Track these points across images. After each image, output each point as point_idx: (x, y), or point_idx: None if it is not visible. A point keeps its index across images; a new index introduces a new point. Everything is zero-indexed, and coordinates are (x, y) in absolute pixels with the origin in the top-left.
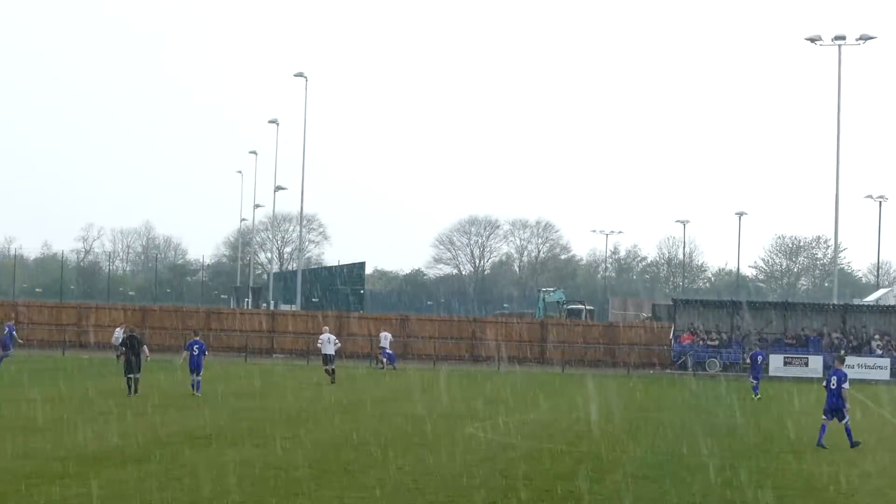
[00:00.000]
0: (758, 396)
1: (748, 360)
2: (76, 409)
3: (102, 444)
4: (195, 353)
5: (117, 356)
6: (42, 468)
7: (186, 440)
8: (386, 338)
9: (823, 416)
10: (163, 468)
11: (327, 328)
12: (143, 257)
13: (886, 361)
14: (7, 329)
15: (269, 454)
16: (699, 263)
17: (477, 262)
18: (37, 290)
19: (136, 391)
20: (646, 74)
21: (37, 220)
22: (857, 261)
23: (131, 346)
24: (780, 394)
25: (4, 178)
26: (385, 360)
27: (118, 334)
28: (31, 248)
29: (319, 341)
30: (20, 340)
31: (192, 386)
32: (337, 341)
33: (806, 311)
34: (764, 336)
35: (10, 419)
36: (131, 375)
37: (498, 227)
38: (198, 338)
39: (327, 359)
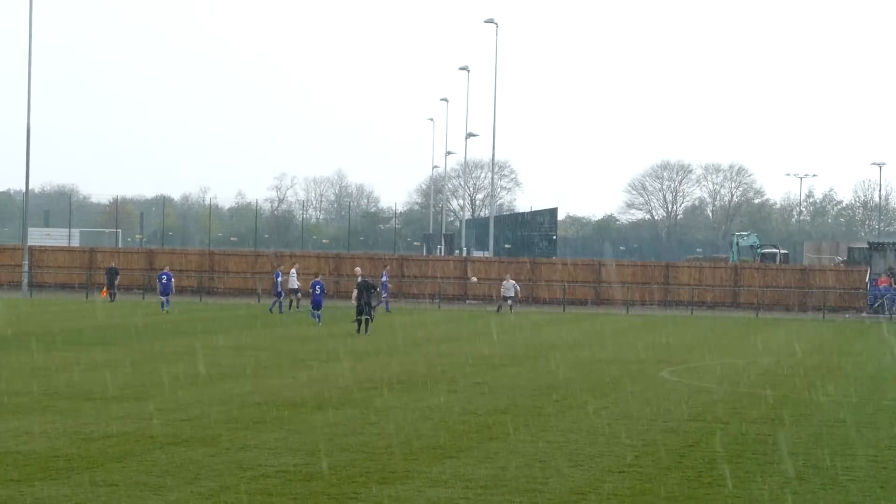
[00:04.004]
0: None
1: None
2: (274, 356)
3: (299, 390)
4: (317, 293)
5: (291, 301)
6: (239, 414)
7: (382, 385)
8: (511, 287)
9: None
10: (358, 413)
11: (509, 275)
12: (335, 205)
13: None
14: (164, 277)
15: (464, 399)
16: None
17: (669, 206)
18: (232, 238)
19: (366, 331)
20: (839, 9)
21: (231, 170)
22: None
23: (365, 291)
24: None
25: (198, 129)
26: (510, 304)
27: (293, 275)
28: (225, 198)
29: (503, 287)
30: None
31: (315, 317)
32: (517, 286)
33: None
34: None
35: (208, 366)
36: (362, 317)
37: (690, 171)
38: (318, 279)
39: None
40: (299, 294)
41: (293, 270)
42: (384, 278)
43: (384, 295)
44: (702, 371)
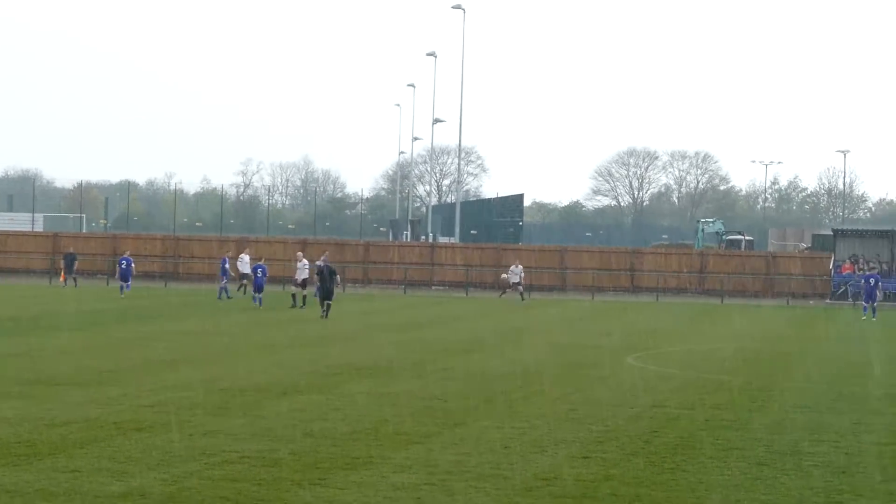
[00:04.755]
0: (865, 317)
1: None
2: (238, 341)
3: (265, 375)
4: (258, 276)
5: (241, 286)
6: (204, 399)
7: (348, 371)
8: (516, 272)
9: None
10: (323, 398)
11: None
12: (301, 191)
13: None
14: (123, 262)
15: (429, 385)
16: (860, 193)
17: (635, 193)
18: (197, 224)
19: (326, 315)
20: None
21: (196, 155)
22: None
23: (327, 275)
24: None
25: (165, 114)
26: (521, 289)
27: (243, 260)
28: (190, 183)
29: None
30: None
31: (256, 301)
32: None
33: None
34: None
35: (172, 351)
36: (327, 301)
37: (657, 158)
38: (261, 262)
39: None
40: (245, 280)
41: (243, 256)
42: (321, 262)
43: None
44: (666, 357)
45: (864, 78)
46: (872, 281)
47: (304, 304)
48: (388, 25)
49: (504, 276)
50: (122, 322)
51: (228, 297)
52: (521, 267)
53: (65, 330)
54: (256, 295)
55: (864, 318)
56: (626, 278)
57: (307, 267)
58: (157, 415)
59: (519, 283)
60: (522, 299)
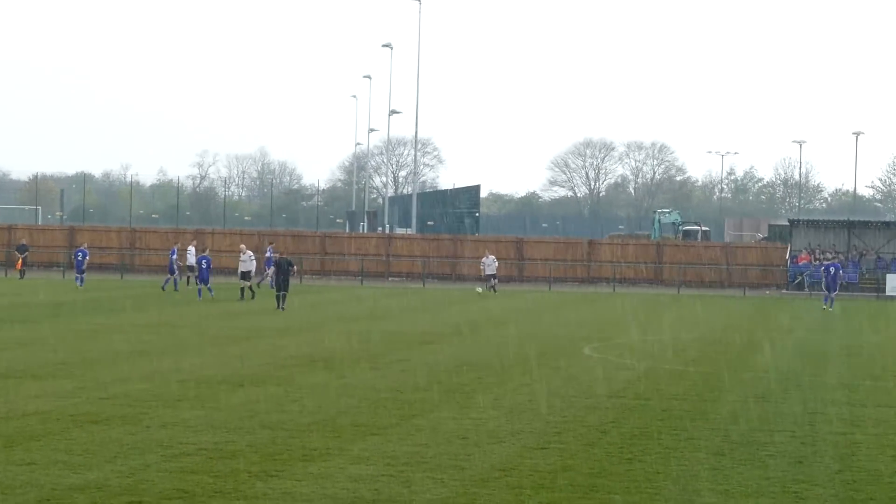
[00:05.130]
0: (825, 307)
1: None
2: (194, 333)
3: (222, 367)
4: (203, 267)
5: (188, 278)
6: (161, 391)
7: (305, 363)
8: (488, 263)
9: None
10: (280, 390)
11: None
12: (258, 183)
13: None
14: (79, 254)
15: (386, 376)
16: (815, 184)
17: (592, 184)
18: (153, 216)
19: (283, 307)
20: None
21: (153, 147)
22: None
23: (282, 267)
24: None
25: (120, 106)
26: (494, 282)
27: (191, 252)
28: (147, 175)
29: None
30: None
31: (200, 293)
32: (252, 257)
33: None
34: (881, 255)
35: (129, 343)
36: (282, 293)
37: (613, 149)
38: (206, 254)
39: (245, 276)
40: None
41: (190, 248)
42: (269, 254)
43: (268, 269)
44: (623, 348)
45: (819, 69)
46: (833, 270)
47: (252, 296)
48: (344, 17)
49: (481, 267)
50: (79, 314)
51: (176, 290)
52: (493, 257)
53: (20, 322)
54: (201, 287)
55: (825, 307)
56: (583, 269)
57: (252, 259)
58: (113, 407)
59: (493, 276)
60: (494, 292)
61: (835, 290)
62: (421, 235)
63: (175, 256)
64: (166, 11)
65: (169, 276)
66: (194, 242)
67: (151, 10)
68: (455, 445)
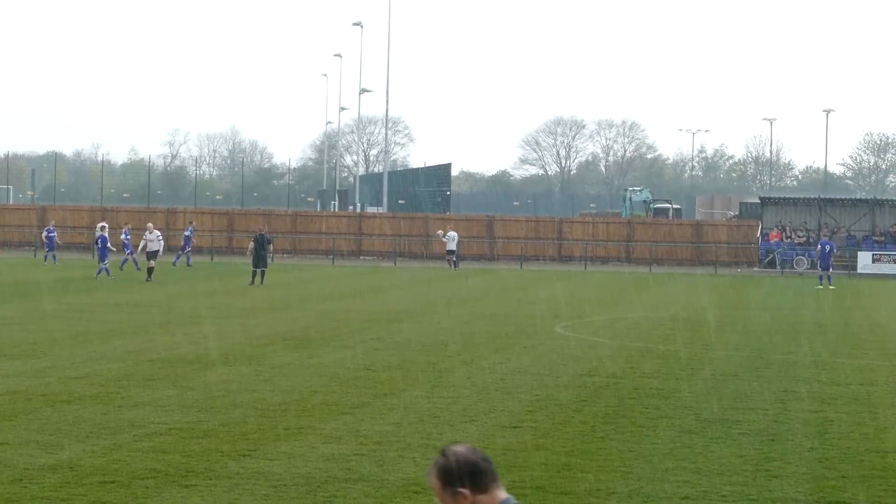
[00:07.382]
0: (820, 287)
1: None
2: (165, 312)
3: (193, 346)
4: (100, 246)
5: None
6: (133, 371)
7: (276, 342)
8: (453, 238)
9: None
10: (252, 369)
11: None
12: (229, 161)
13: None
14: (46, 232)
15: (358, 355)
16: (786, 161)
17: (563, 162)
18: (124, 195)
19: (262, 282)
20: None
21: (123, 126)
22: None
23: (260, 244)
24: (871, 290)
25: (90, 85)
26: (454, 259)
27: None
28: (118, 154)
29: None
30: (59, 243)
31: (98, 272)
32: (160, 237)
33: (894, 208)
34: (852, 233)
35: (101, 323)
36: (258, 269)
37: (584, 127)
38: (104, 233)
39: (151, 255)
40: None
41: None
42: (188, 232)
43: (187, 249)
44: (595, 326)
45: (790, 46)
46: (828, 248)
47: (149, 276)
48: None
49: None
50: (51, 293)
51: (121, 269)
52: (454, 234)
53: None
54: (102, 265)
55: (821, 287)
56: (555, 247)
57: (160, 238)
58: (85, 387)
59: (453, 252)
60: (454, 268)
61: (828, 268)
62: (392, 214)
63: (128, 237)
64: None
65: (126, 254)
66: (150, 224)
67: None
68: (427, 424)
